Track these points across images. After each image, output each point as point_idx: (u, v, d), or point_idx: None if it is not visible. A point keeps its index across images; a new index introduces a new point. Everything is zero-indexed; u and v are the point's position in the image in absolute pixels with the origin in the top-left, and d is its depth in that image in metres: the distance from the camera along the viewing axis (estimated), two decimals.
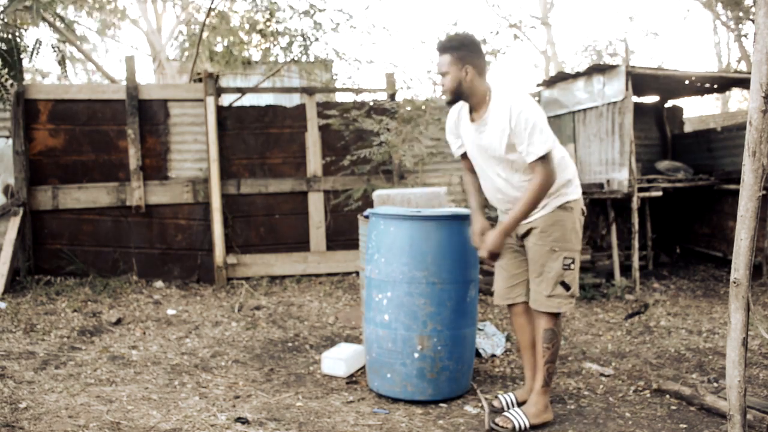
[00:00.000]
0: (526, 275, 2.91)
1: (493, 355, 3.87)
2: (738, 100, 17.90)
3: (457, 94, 2.77)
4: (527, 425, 2.73)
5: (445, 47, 2.74)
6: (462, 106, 2.90)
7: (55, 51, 4.87)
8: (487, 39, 6.50)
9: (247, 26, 7.09)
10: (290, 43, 6.65)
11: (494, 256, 2.80)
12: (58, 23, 4.88)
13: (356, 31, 6.73)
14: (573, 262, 2.79)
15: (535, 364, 2.90)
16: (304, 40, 6.49)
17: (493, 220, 3.20)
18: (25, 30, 4.72)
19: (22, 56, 4.66)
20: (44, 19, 5.03)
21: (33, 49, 4.67)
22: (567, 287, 2.78)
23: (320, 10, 6.42)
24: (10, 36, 4.50)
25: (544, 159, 2.65)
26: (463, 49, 2.73)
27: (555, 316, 2.81)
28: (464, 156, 3.03)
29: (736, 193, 4.97)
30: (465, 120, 2.89)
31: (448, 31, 6.77)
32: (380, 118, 6.03)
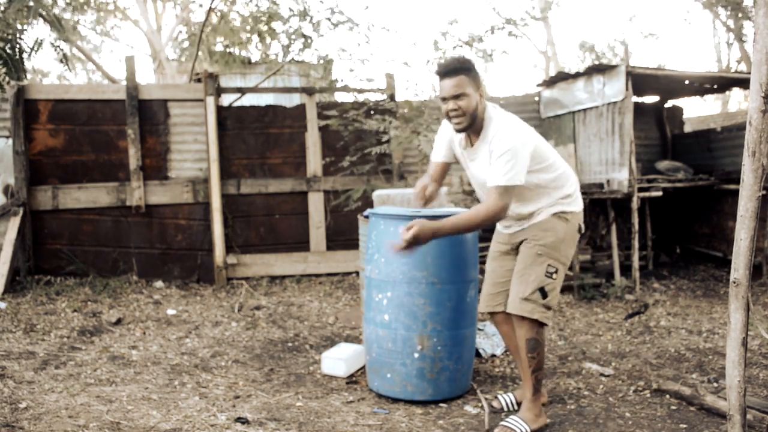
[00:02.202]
0: (509, 285, 2.87)
1: (493, 355, 3.87)
2: (738, 100, 17.90)
3: (472, 119, 2.61)
4: (528, 431, 2.71)
5: (459, 68, 2.58)
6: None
7: (56, 50, 4.86)
8: (483, 38, 6.51)
9: (248, 26, 7.09)
10: (289, 45, 6.65)
11: (409, 246, 2.50)
12: (56, 21, 4.86)
13: (355, 31, 6.73)
14: (556, 272, 2.73)
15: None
16: (305, 40, 6.48)
17: (488, 232, 3.21)
18: (25, 30, 4.70)
19: (23, 56, 4.66)
20: (44, 19, 5.02)
21: (32, 48, 4.66)
22: (544, 295, 2.71)
23: (311, 19, 6.43)
24: (11, 36, 4.49)
25: (501, 189, 2.52)
26: (475, 71, 2.62)
27: (537, 324, 2.73)
28: (438, 163, 2.97)
29: (736, 193, 4.97)
30: (458, 144, 2.84)
31: (445, 30, 6.77)
32: (382, 117, 6.03)
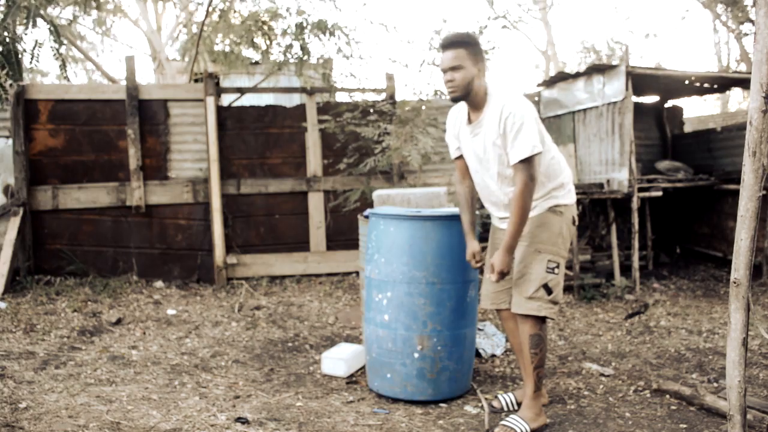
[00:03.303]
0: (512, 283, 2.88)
1: (493, 355, 3.87)
2: (738, 100, 17.91)
3: (466, 92, 2.68)
4: (528, 430, 2.72)
5: (459, 41, 2.67)
6: (461, 107, 2.87)
7: (55, 55, 4.86)
8: (477, 34, 6.51)
9: (249, 25, 7.09)
10: (289, 47, 6.64)
11: (504, 274, 2.73)
12: (53, 27, 4.84)
13: (351, 34, 6.71)
14: (557, 267, 2.74)
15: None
16: (303, 52, 6.48)
17: (486, 232, 3.21)
18: (24, 35, 4.69)
19: (20, 57, 4.66)
20: (43, 19, 5.01)
21: (33, 51, 4.66)
22: (549, 291, 2.72)
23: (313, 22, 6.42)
24: (8, 38, 4.49)
25: (526, 162, 2.59)
26: (476, 46, 2.69)
27: (540, 320, 2.74)
28: (459, 157, 2.99)
29: (736, 193, 4.97)
30: (463, 121, 2.86)
31: (438, 28, 6.76)
32: (377, 121, 6.01)
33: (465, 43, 2.67)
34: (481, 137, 2.73)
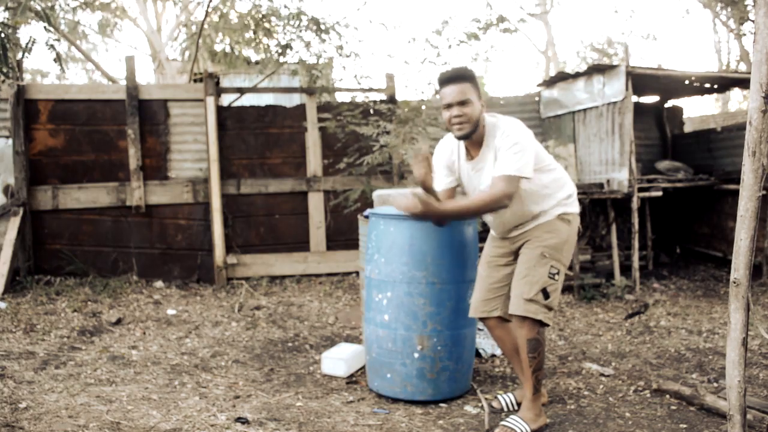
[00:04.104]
0: (505, 290, 2.89)
1: (493, 355, 3.87)
2: (738, 100, 17.91)
3: (475, 127, 2.66)
4: (528, 431, 2.71)
5: (464, 75, 2.66)
6: (458, 142, 2.84)
7: (50, 49, 4.84)
8: (479, 35, 6.51)
9: (248, 23, 7.09)
10: (286, 46, 6.64)
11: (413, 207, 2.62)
12: (44, 16, 4.82)
13: (353, 29, 6.72)
14: (558, 274, 2.75)
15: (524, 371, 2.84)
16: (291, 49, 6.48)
17: (485, 232, 3.21)
18: (18, 28, 4.66)
19: (15, 53, 4.63)
20: (40, 16, 4.99)
21: (26, 46, 4.64)
22: (546, 296, 2.72)
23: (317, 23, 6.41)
24: (1, 34, 4.47)
25: (507, 179, 2.58)
26: (476, 81, 2.70)
27: (537, 324, 2.73)
28: (445, 190, 2.93)
29: (736, 193, 4.97)
30: (462, 157, 2.84)
31: (440, 29, 6.76)
32: (377, 120, 6.01)
33: (469, 77, 2.66)
34: (485, 171, 2.73)
